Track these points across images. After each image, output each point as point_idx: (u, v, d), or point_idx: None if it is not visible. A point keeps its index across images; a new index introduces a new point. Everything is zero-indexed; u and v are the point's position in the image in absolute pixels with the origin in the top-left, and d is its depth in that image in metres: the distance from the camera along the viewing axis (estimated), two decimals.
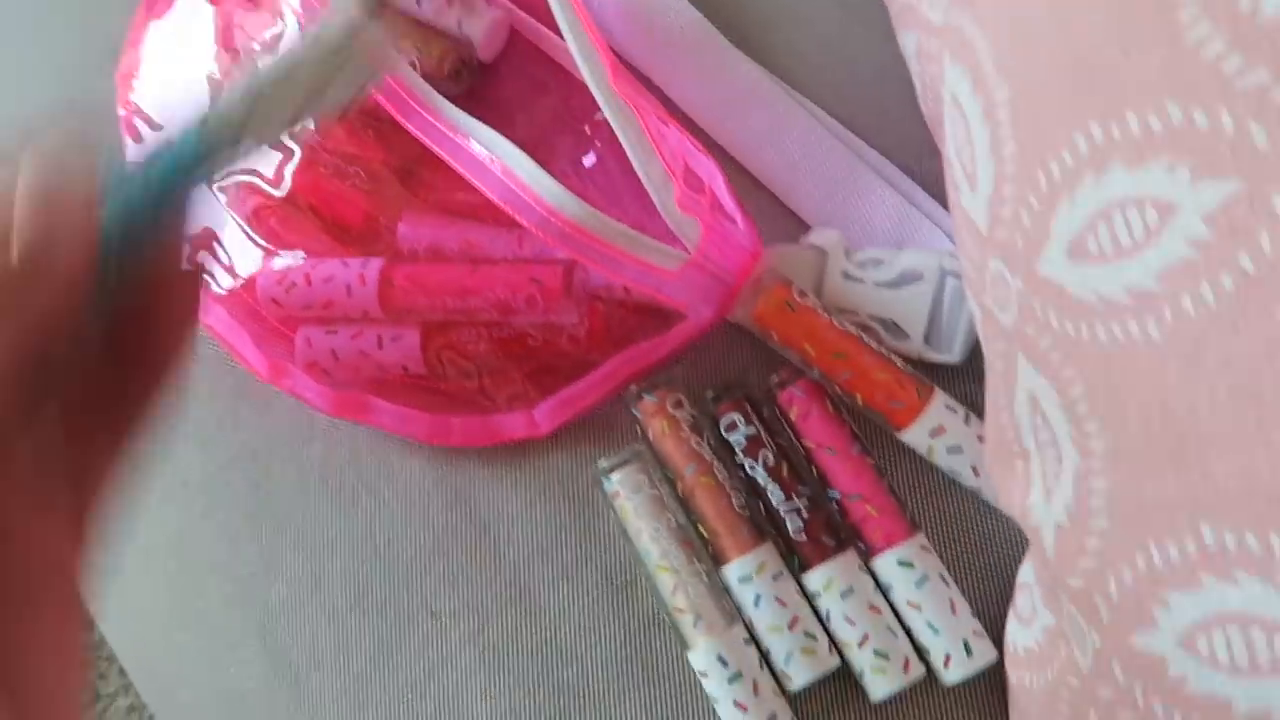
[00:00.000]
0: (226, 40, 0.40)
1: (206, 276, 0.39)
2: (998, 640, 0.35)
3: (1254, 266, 0.21)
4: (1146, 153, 0.22)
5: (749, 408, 0.37)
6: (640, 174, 0.36)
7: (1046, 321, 0.27)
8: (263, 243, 0.38)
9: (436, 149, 0.34)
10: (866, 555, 0.36)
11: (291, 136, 0.39)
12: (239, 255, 0.39)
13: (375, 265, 0.37)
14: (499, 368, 0.38)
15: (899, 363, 0.36)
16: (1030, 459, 0.30)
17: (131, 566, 0.42)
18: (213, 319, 0.39)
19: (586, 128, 0.42)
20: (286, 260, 0.38)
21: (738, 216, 0.38)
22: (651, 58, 0.42)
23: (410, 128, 0.34)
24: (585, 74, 0.34)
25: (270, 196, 0.40)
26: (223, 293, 0.39)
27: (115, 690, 0.84)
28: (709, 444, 0.36)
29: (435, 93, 0.34)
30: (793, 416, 0.37)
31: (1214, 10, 0.20)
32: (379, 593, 0.38)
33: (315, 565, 0.39)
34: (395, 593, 0.38)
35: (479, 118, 0.34)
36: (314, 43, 0.22)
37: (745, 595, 0.35)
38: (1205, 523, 0.23)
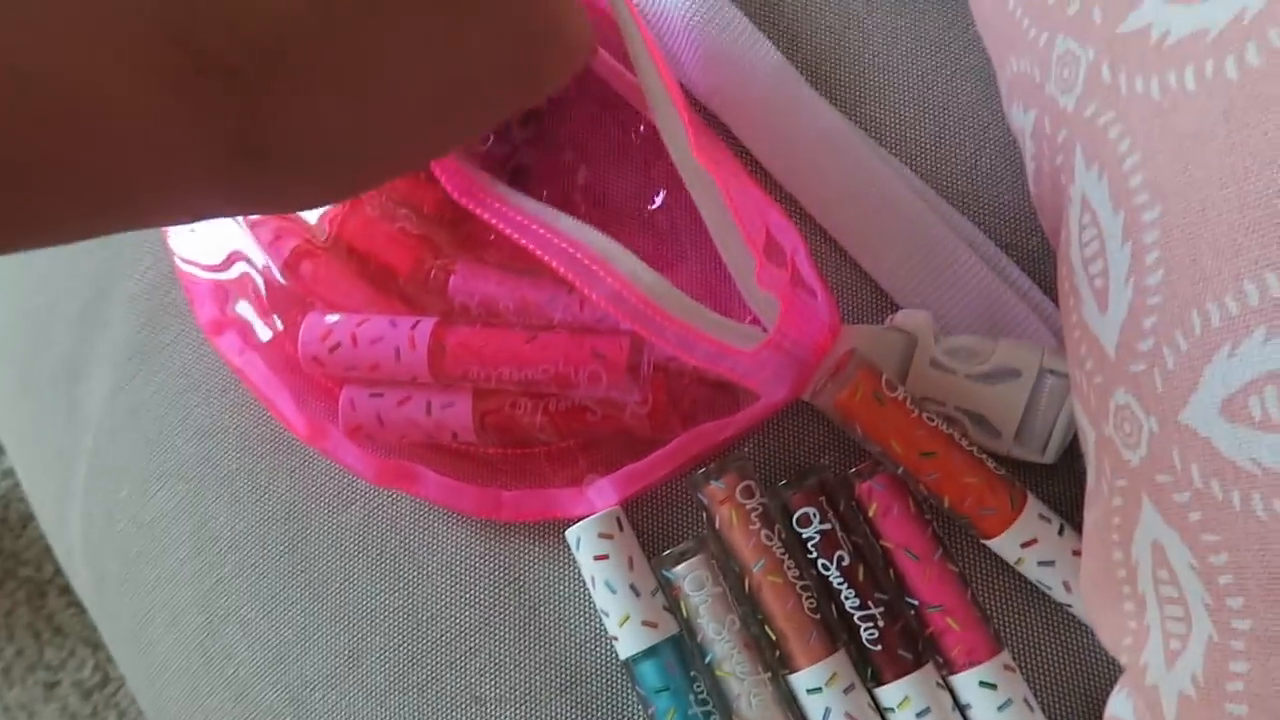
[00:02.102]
0: None
1: (246, 323, 0.37)
2: None
3: None
4: None
5: (823, 501, 0.34)
6: (720, 248, 0.33)
7: (1187, 476, 0.24)
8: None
9: (501, 226, 0.31)
10: (946, 669, 0.33)
11: None
12: (281, 302, 0.36)
13: (426, 327, 0.35)
14: (556, 448, 0.36)
15: (990, 464, 0.33)
16: (1146, 608, 0.27)
17: (160, 619, 0.40)
18: (250, 370, 0.36)
19: (655, 170, 0.39)
20: (330, 315, 0.35)
21: (818, 289, 0.35)
22: (727, 98, 0.39)
23: (476, 209, 0.31)
24: (667, 141, 0.32)
25: (312, 240, 0.37)
26: (264, 341, 0.36)
27: None
28: (779, 536, 0.34)
29: (494, 180, 0.32)
30: (871, 513, 0.34)
31: None
32: (420, 672, 0.36)
33: (353, 637, 0.37)
34: (438, 673, 0.36)
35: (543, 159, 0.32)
36: None
37: (814, 707, 0.33)
38: None
